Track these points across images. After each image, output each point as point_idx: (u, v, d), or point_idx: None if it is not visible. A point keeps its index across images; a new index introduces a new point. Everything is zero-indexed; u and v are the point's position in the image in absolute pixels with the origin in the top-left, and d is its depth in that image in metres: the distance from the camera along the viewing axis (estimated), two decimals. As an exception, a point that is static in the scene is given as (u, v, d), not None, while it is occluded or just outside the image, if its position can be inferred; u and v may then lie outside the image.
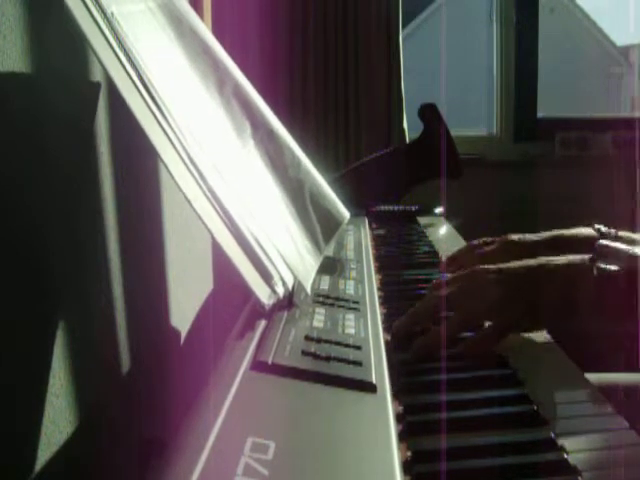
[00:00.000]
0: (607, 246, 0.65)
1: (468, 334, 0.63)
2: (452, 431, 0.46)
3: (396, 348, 0.61)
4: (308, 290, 0.60)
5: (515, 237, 0.88)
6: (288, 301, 0.58)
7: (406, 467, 0.41)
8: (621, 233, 0.84)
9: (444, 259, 0.93)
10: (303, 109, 2.07)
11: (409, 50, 2.20)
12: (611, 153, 2.31)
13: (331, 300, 0.63)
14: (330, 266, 0.75)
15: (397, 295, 0.79)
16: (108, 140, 0.68)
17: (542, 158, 2.29)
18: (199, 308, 0.99)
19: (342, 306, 0.62)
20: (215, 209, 0.52)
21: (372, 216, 1.25)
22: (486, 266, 0.67)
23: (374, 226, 1.21)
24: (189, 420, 0.38)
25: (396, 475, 0.36)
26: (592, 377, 0.58)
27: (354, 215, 0.89)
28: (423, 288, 0.82)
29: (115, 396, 0.68)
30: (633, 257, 0.63)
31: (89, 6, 0.48)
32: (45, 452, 0.54)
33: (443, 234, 1.21)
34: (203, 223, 0.50)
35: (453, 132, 1.37)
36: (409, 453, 0.43)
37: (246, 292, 0.52)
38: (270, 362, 0.46)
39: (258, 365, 0.46)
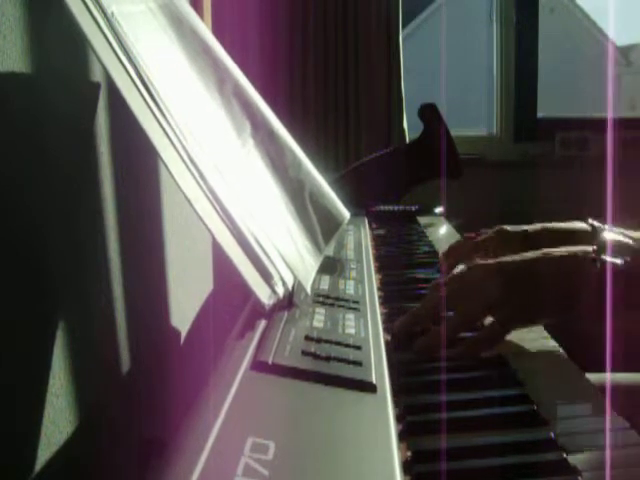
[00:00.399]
0: (613, 239, 0.64)
1: (469, 334, 0.63)
2: (452, 431, 0.46)
3: (396, 348, 0.61)
4: (308, 290, 0.60)
5: (509, 227, 0.89)
6: (288, 301, 0.58)
7: (406, 467, 0.41)
8: (613, 229, 0.84)
9: (441, 254, 0.93)
10: (303, 109, 2.07)
11: (409, 50, 2.20)
12: (611, 153, 2.30)
13: (331, 300, 0.63)
14: (330, 266, 0.75)
15: (397, 295, 0.79)
16: (108, 140, 0.68)
17: (542, 158, 2.29)
18: (199, 308, 0.99)
19: (342, 306, 0.62)
20: (215, 209, 0.52)
21: (372, 216, 1.25)
22: (484, 261, 0.67)
23: (374, 226, 1.21)
24: (189, 420, 0.38)
25: (396, 475, 0.36)
26: (592, 377, 0.58)
27: (354, 215, 0.89)
28: (423, 288, 0.82)
29: (115, 396, 0.68)
30: (637, 251, 0.63)
31: (89, 6, 0.48)
32: (45, 452, 0.54)
33: (443, 234, 1.21)
34: (203, 223, 0.50)
35: (453, 132, 1.37)
36: (409, 453, 0.43)
37: (246, 292, 0.52)
38: (270, 362, 0.46)
39: (258, 365, 0.46)
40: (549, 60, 2.67)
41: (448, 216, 1.34)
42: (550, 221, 0.93)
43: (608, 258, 0.62)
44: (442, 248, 1.04)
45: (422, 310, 0.65)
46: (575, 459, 0.43)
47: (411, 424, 0.47)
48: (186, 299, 0.95)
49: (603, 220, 0.87)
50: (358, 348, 0.52)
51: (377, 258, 0.96)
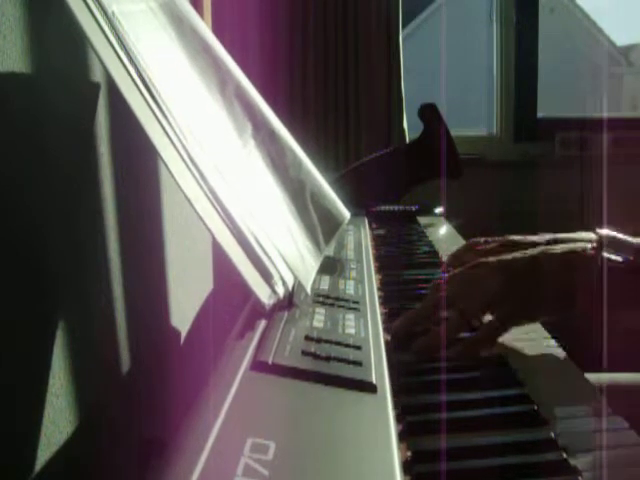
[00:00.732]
0: (612, 236, 0.64)
1: (467, 334, 0.63)
2: (452, 431, 0.46)
3: (396, 348, 0.61)
4: (308, 290, 0.60)
5: (515, 238, 0.89)
6: (288, 301, 0.58)
7: (406, 467, 0.41)
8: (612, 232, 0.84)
9: (445, 258, 0.93)
10: (303, 109, 2.07)
11: (409, 50, 2.20)
12: (611, 153, 2.31)
13: (331, 300, 0.63)
14: (330, 266, 0.75)
15: (397, 295, 0.79)
16: (108, 140, 0.68)
17: (542, 158, 2.29)
18: (199, 308, 0.99)
19: (342, 306, 0.62)
20: (216, 209, 0.52)
21: (372, 216, 1.25)
22: (485, 259, 0.67)
23: (374, 226, 1.21)
24: (189, 420, 0.38)
25: (396, 475, 0.36)
26: (592, 377, 0.58)
27: (354, 215, 0.89)
28: (423, 288, 0.82)
29: (115, 396, 0.68)
30: (637, 249, 0.62)
31: (90, 5, 0.48)
32: (45, 452, 0.54)
33: (443, 234, 1.21)
34: (203, 223, 0.50)
35: (453, 132, 1.37)
36: (409, 453, 0.43)
37: (246, 292, 0.52)
38: (270, 362, 0.46)
39: (258, 365, 0.46)
40: (549, 60, 2.67)
41: (448, 216, 1.34)
42: (550, 221, 0.93)
43: (607, 254, 0.61)
44: (442, 248, 1.04)
45: (422, 310, 0.65)
46: (575, 459, 0.43)
47: (411, 424, 0.47)
48: (186, 299, 0.95)
49: (603, 222, 0.87)
50: (358, 348, 0.52)
51: (377, 258, 0.96)
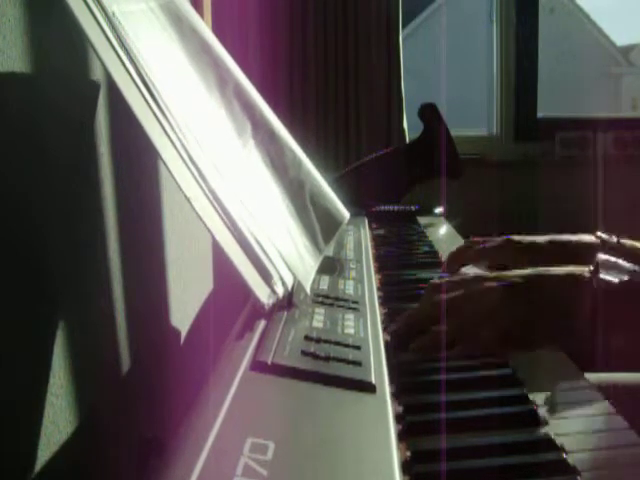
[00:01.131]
0: (609, 260, 0.64)
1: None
2: (452, 431, 0.46)
3: (396, 348, 0.61)
4: (308, 290, 0.60)
5: (516, 238, 0.88)
6: (288, 301, 0.58)
7: (406, 467, 0.41)
8: (623, 240, 0.84)
9: (445, 258, 0.93)
10: (303, 109, 2.07)
11: (409, 50, 2.20)
12: (611, 153, 2.31)
13: (331, 300, 0.63)
14: (330, 266, 0.75)
15: (397, 295, 0.79)
16: (108, 140, 0.68)
17: (542, 158, 2.29)
18: (199, 308, 0.99)
19: (342, 306, 0.62)
20: (215, 209, 0.52)
21: (372, 216, 1.25)
22: (483, 273, 0.67)
23: (374, 226, 1.21)
24: (189, 420, 0.38)
25: (396, 475, 0.36)
26: (592, 377, 0.58)
27: (354, 215, 0.89)
28: (423, 288, 0.82)
29: (115, 396, 0.68)
30: (635, 273, 0.62)
31: (90, 5, 0.48)
32: (45, 452, 0.54)
33: (443, 234, 1.21)
34: (203, 223, 0.50)
35: (453, 132, 1.37)
36: (409, 453, 0.43)
37: (246, 292, 0.52)
38: (270, 362, 0.46)
39: (258, 365, 0.46)
40: (549, 60, 2.67)
41: (448, 216, 1.34)
42: (550, 221, 0.93)
43: (603, 277, 0.61)
44: (442, 248, 1.04)
45: (419, 313, 0.65)
46: (575, 459, 0.43)
47: (411, 424, 0.47)
48: (186, 299, 0.95)
49: (603, 222, 0.87)
50: (357, 348, 0.52)
51: (377, 258, 0.96)
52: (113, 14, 0.50)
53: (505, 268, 0.88)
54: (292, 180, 0.70)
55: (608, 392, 0.54)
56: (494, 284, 0.63)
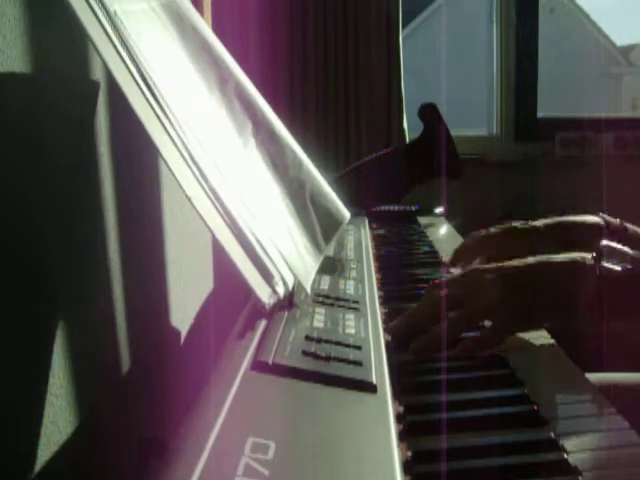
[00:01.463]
0: (612, 247, 0.64)
1: (467, 334, 0.63)
2: (452, 431, 0.46)
3: (396, 348, 0.61)
4: (308, 290, 0.60)
5: (517, 224, 0.88)
6: (288, 301, 0.58)
7: (406, 467, 0.41)
8: (628, 225, 0.84)
9: (449, 256, 0.93)
10: (303, 109, 2.07)
11: (409, 50, 2.20)
12: (611, 153, 2.31)
13: (331, 300, 0.63)
14: (330, 266, 0.75)
15: (397, 295, 0.79)
16: (108, 140, 0.68)
17: (542, 158, 2.29)
18: (199, 308, 0.99)
19: (342, 306, 0.62)
20: (216, 208, 0.52)
21: (372, 216, 1.25)
22: (484, 266, 0.67)
23: (374, 226, 1.21)
24: (189, 420, 0.38)
25: (396, 475, 0.36)
26: (592, 377, 0.58)
27: (354, 215, 0.89)
28: (423, 288, 0.82)
29: (115, 396, 0.68)
30: (638, 260, 0.62)
31: (92, 4, 0.48)
32: (45, 452, 0.54)
33: (443, 234, 1.21)
34: (204, 222, 0.50)
35: (453, 132, 1.37)
36: (409, 453, 0.43)
37: (246, 292, 0.52)
38: (270, 362, 0.46)
39: (258, 365, 0.46)
40: (549, 60, 2.67)
41: (448, 216, 1.34)
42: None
43: (606, 264, 0.62)
44: (442, 248, 1.04)
45: (419, 312, 0.65)
46: (575, 459, 0.43)
47: (411, 424, 0.47)
48: (186, 299, 0.95)
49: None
50: (358, 348, 0.52)
51: (377, 258, 0.96)
52: (115, 13, 0.50)
53: (509, 259, 0.88)
54: (292, 180, 0.70)
55: (608, 392, 0.54)
56: (494, 276, 0.63)
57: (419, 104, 1.44)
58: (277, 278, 0.54)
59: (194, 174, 0.51)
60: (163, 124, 0.50)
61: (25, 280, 0.52)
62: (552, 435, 0.45)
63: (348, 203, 0.80)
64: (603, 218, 0.83)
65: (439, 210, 1.36)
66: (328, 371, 0.46)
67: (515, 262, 0.66)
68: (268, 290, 0.53)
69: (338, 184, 0.85)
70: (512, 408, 0.50)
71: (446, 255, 0.94)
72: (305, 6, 2.05)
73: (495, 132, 2.41)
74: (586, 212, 0.90)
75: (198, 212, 0.49)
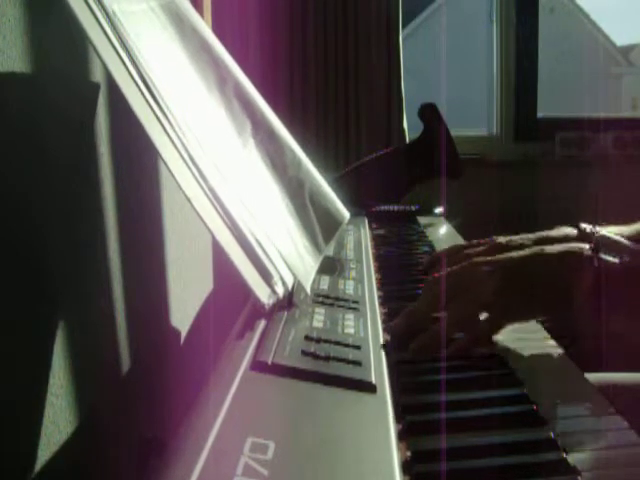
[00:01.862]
0: (607, 238, 0.64)
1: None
2: (452, 431, 0.46)
3: (396, 348, 0.61)
4: (308, 290, 0.60)
5: (503, 240, 0.88)
6: (288, 301, 0.58)
7: (406, 467, 0.41)
8: (604, 231, 0.84)
9: (425, 260, 0.93)
10: (303, 109, 2.07)
11: (409, 50, 2.20)
12: (611, 153, 2.31)
13: (331, 300, 0.63)
14: (330, 266, 0.75)
15: (397, 295, 0.79)
16: (108, 140, 0.68)
17: (542, 158, 2.29)
18: (199, 308, 0.99)
19: (342, 306, 0.62)
20: (215, 208, 0.52)
21: (372, 216, 1.25)
22: (481, 259, 0.67)
23: (374, 226, 1.21)
24: (189, 420, 0.38)
25: (396, 475, 0.36)
26: (592, 377, 0.58)
27: (354, 215, 0.89)
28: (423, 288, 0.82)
29: (115, 396, 0.68)
30: (635, 251, 0.62)
31: (90, 4, 0.48)
32: (45, 452, 0.54)
33: (443, 234, 1.21)
34: (203, 222, 0.50)
35: (453, 132, 1.37)
36: (409, 453, 0.43)
37: (246, 292, 0.52)
38: (270, 362, 0.46)
39: (258, 365, 0.46)
40: (549, 60, 2.67)
41: (448, 216, 1.34)
42: (550, 221, 0.93)
43: (605, 256, 0.61)
44: (442, 248, 1.03)
45: (418, 311, 0.65)
46: (575, 459, 0.43)
47: (411, 424, 0.47)
48: (186, 299, 0.95)
49: (600, 221, 0.87)
50: (358, 348, 0.52)
51: (377, 258, 0.96)
52: (114, 13, 0.50)
53: None
54: (292, 179, 0.70)
55: (608, 392, 0.54)
56: (491, 268, 0.64)
57: (419, 104, 1.44)
58: (276, 278, 0.54)
59: (193, 174, 0.51)
60: (162, 125, 0.50)
61: (25, 280, 0.52)
62: (552, 435, 0.45)
63: (348, 203, 0.80)
64: (583, 229, 0.84)
65: (439, 210, 1.36)
66: (327, 371, 0.46)
67: (512, 253, 0.66)
68: (267, 290, 0.53)
69: (338, 184, 0.85)
70: (512, 408, 0.50)
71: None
72: (305, 6, 2.05)
73: (495, 132, 2.41)
74: (586, 212, 0.90)
75: (197, 212, 0.50)
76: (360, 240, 0.97)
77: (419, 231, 1.20)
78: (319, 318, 0.57)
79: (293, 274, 0.59)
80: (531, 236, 0.88)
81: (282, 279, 0.56)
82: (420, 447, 0.44)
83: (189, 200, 0.49)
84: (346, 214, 0.76)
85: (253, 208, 0.58)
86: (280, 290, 0.55)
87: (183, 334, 0.91)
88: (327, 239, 0.69)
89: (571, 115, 2.50)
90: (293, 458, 0.35)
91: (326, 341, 0.52)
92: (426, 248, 1.06)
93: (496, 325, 0.62)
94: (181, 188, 0.49)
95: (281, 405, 0.42)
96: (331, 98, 2.09)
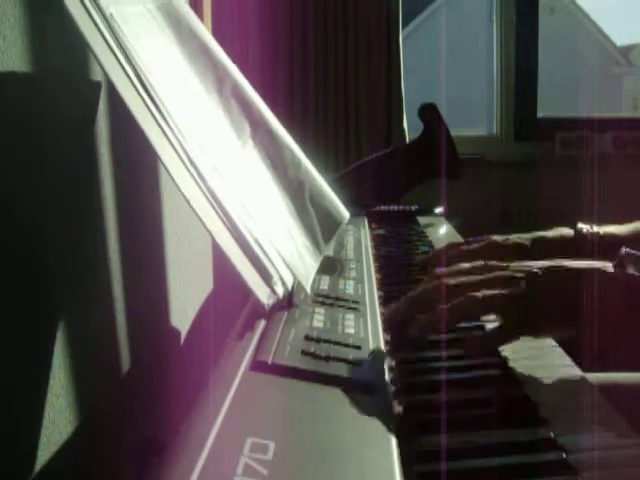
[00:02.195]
0: (632, 254, 0.62)
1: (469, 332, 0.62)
2: (452, 431, 0.46)
3: (396, 348, 0.61)
4: (308, 290, 0.60)
5: (498, 238, 0.88)
6: (288, 301, 0.58)
7: (406, 467, 0.41)
8: (597, 228, 0.84)
9: (421, 258, 0.93)
10: (303, 109, 2.07)
11: (409, 50, 2.20)
12: (611, 153, 2.31)
13: (331, 300, 0.63)
14: (330, 266, 0.75)
15: (397, 295, 0.79)
16: (108, 140, 0.68)
17: (542, 158, 2.29)
18: (199, 308, 0.99)
19: (342, 306, 0.62)
20: (214, 209, 0.52)
21: (372, 216, 1.25)
22: (496, 263, 0.64)
23: (374, 226, 1.21)
24: (189, 420, 0.38)
25: (396, 475, 0.36)
26: (592, 377, 0.58)
27: (354, 215, 0.89)
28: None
29: (115, 396, 0.68)
30: None
31: (88, 7, 0.48)
32: (45, 452, 0.54)
33: (443, 234, 1.21)
34: (202, 223, 0.50)
35: (453, 132, 1.37)
36: (409, 453, 0.43)
37: (246, 292, 0.52)
38: (270, 362, 0.46)
39: (258, 365, 0.46)
40: (549, 60, 2.67)
41: (448, 216, 1.34)
42: (550, 221, 0.93)
43: (632, 271, 0.59)
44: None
45: (421, 296, 0.62)
46: (575, 459, 0.43)
47: (411, 424, 0.47)
48: (186, 299, 0.95)
49: (600, 221, 0.87)
50: (358, 348, 0.52)
51: (377, 258, 0.96)
52: (111, 16, 0.50)
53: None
54: (291, 180, 0.70)
55: (608, 392, 0.54)
56: (507, 273, 0.61)
57: (419, 104, 1.44)
58: (276, 278, 0.54)
59: (192, 176, 0.51)
60: (161, 127, 0.50)
61: (25, 280, 0.52)
62: (552, 435, 0.45)
63: (348, 203, 0.80)
64: (580, 229, 0.84)
65: (439, 210, 1.36)
66: (327, 371, 0.46)
67: (531, 262, 0.63)
68: (267, 290, 0.53)
69: (338, 184, 0.85)
70: (512, 408, 0.50)
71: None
72: (305, 6, 2.05)
73: (495, 132, 2.41)
74: (585, 212, 0.90)
75: (196, 214, 0.50)
76: (360, 240, 0.97)
77: (419, 231, 1.20)
78: (319, 318, 0.57)
79: (293, 274, 0.59)
80: (527, 235, 0.88)
81: (282, 279, 0.56)
82: (420, 447, 0.44)
83: (188, 201, 0.49)
84: (346, 214, 0.76)
85: (252, 209, 0.58)
86: (280, 290, 0.55)
87: (183, 334, 0.91)
88: (327, 239, 0.69)
89: (571, 115, 2.49)
90: (293, 458, 0.35)
91: (326, 341, 0.52)
92: (426, 248, 1.06)
93: (509, 336, 0.59)
94: (180, 189, 0.49)
95: (281, 405, 0.42)
96: (331, 98, 2.09)
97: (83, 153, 0.65)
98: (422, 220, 1.30)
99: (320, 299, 0.63)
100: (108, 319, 0.68)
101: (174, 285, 0.88)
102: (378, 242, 1.09)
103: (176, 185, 0.49)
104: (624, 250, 0.62)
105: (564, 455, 0.43)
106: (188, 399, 0.43)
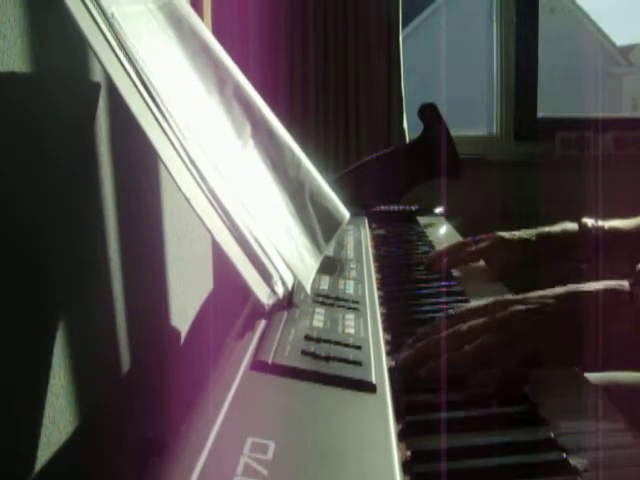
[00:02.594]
0: None
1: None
2: (452, 431, 0.46)
3: (396, 348, 0.61)
4: (308, 290, 0.60)
5: (506, 235, 0.88)
6: (288, 301, 0.58)
7: (406, 467, 0.41)
8: (602, 223, 0.84)
9: (429, 255, 0.93)
10: (303, 109, 2.07)
11: (409, 50, 2.20)
12: (611, 153, 2.31)
13: (331, 300, 0.63)
14: (330, 266, 0.75)
15: (397, 295, 0.79)
16: (108, 140, 0.68)
17: (542, 158, 2.29)
18: (199, 308, 0.99)
19: (342, 306, 0.62)
20: (215, 209, 0.52)
21: (372, 216, 1.25)
22: (507, 297, 0.62)
23: (374, 226, 1.21)
24: (189, 420, 0.38)
25: (396, 475, 0.36)
26: (592, 377, 0.58)
27: (354, 215, 0.89)
28: (423, 288, 0.82)
29: (115, 396, 0.68)
30: None
31: (89, 7, 0.48)
32: (45, 452, 0.54)
33: (443, 234, 1.21)
34: (202, 223, 0.50)
35: (453, 132, 1.37)
36: (409, 453, 0.43)
37: (246, 292, 0.52)
38: (270, 362, 0.46)
39: (258, 365, 0.46)
40: (549, 60, 2.67)
41: (448, 216, 1.34)
42: (551, 221, 0.93)
43: None
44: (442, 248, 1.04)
45: (432, 347, 0.58)
46: (575, 459, 0.43)
47: (411, 424, 0.47)
48: (186, 299, 0.95)
49: (599, 219, 0.88)
50: (358, 348, 0.52)
51: (377, 258, 0.96)
52: (112, 15, 0.50)
53: (500, 269, 0.89)
54: (292, 180, 0.70)
55: (608, 392, 0.54)
56: (521, 307, 0.59)
57: (419, 104, 1.44)
58: (276, 278, 0.54)
59: (193, 175, 0.51)
60: (162, 126, 0.50)
61: (25, 280, 0.52)
62: (552, 435, 0.45)
63: (348, 203, 0.80)
64: (584, 224, 0.84)
65: (439, 210, 1.36)
66: (327, 371, 0.46)
67: (541, 292, 0.61)
68: (267, 290, 0.53)
69: (338, 184, 0.85)
70: (512, 408, 0.50)
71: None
72: (305, 6, 2.05)
73: (495, 132, 2.41)
74: (586, 212, 0.90)
75: (197, 213, 0.50)
76: (360, 240, 0.97)
77: (419, 231, 1.20)
78: (319, 318, 0.57)
79: (293, 274, 0.59)
80: (532, 231, 0.88)
81: (282, 279, 0.56)
82: (420, 447, 0.44)
83: (188, 201, 0.49)
84: (346, 214, 0.76)
85: (253, 208, 0.58)
86: (280, 290, 0.55)
87: (183, 334, 0.91)
88: (327, 239, 0.69)
89: (571, 115, 2.49)
90: (293, 458, 0.35)
91: (326, 341, 0.52)
92: (426, 248, 1.06)
93: (529, 367, 0.56)
94: (180, 189, 0.49)
95: (281, 405, 0.42)
96: (331, 98, 2.09)
97: (83, 153, 0.65)
98: (422, 220, 1.30)
99: (320, 299, 0.63)
100: (108, 319, 0.68)
101: (174, 285, 0.88)
102: (378, 242, 1.09)
103: (176, 185, 0.49)
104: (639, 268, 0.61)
105: (564, 455, 0.43)
106: (188, 399, 0.43)
